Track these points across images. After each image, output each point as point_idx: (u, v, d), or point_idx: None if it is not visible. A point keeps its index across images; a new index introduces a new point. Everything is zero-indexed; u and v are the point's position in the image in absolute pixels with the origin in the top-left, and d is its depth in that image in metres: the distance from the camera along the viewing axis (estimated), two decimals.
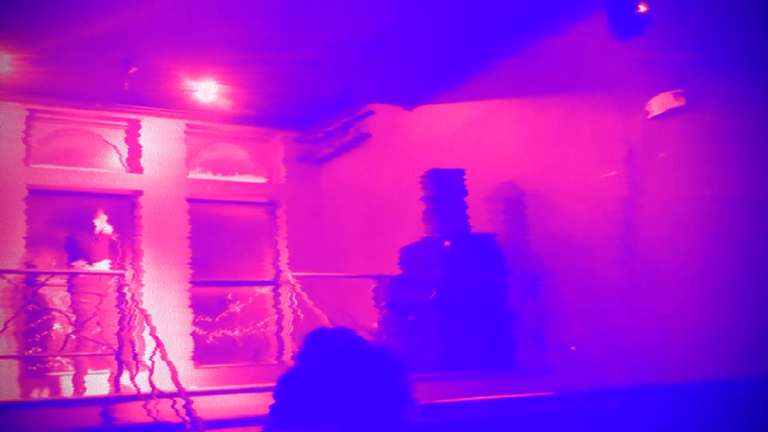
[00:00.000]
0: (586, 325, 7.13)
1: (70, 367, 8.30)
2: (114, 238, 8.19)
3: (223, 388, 7.25)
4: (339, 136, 10.47)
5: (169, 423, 5.11)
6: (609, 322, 6.93)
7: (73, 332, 7.40)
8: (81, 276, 7.77)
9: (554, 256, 7.55)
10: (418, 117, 9.37)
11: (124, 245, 9.67)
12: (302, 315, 7.27)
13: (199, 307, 10.08)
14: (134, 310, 7.06)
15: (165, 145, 10.01)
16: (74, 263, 7.84)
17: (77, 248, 7.93)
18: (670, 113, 6.53)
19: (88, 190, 9.54)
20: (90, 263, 7.94)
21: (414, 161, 8.94)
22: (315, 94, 9.67)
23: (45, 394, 8.62)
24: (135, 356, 6.80)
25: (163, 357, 6.19)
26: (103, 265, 7.90)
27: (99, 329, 7.69)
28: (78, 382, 7.89)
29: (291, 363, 2.39)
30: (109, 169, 9.86)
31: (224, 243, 10.59)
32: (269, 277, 10.73)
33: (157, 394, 6.00)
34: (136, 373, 6.66)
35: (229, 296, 10.39)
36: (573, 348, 6.93)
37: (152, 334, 6.44)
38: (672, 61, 6.57)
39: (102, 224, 7.98)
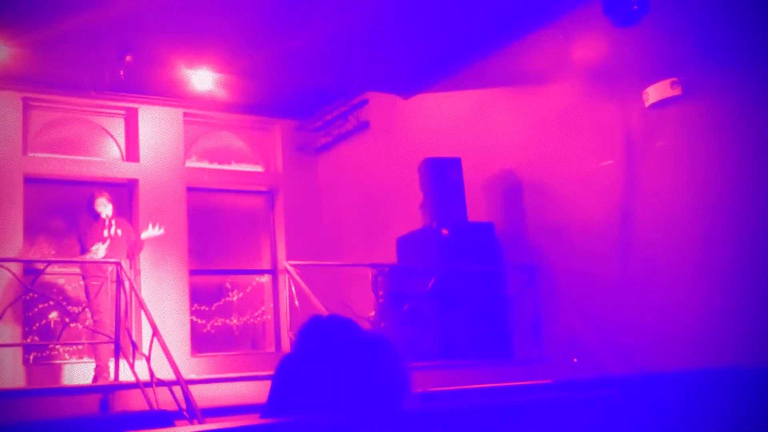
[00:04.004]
0: (584, 314, 7.15)
1: (68, 356, 8.32)
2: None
3: (221, 377, 7.27)
4: (337, 125, 10.47)
5: (167, 411, 5.12)
6: (607, 310, 6.95)
7: (71, 320, 7.42)
8: (78, 264, 7.77)
9: (551, 245, 7.57)
10: (416, 106, 9.36)
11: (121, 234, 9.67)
12: (300, 303, 7.28)
13: (197, 295, 10.10)
14: (132, 299, 7.07)
15: (162, 134, 10.00)
16: (96, 246, 7.72)
17: (81, 236, 7.87)
18: (667, 102, 6.52)
19: (85, 179, 9.53)
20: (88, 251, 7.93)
21: (411, 150, 8.94)
22: (313, 83, 9.66)
23: (43, 382, 8.64)
24: (133, 345, 6.82)
25: (162, 345, 6.21)
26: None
27: (97, 317, 7.70)
28: (76, 371, 7.91)
29: (288, 351, 2.40)
30: (106, 157, 9.85)
31: (222, 232, 10.60)
32: (267, 265, 10.75)
33: (156, 383, 6.02)
34: (134, 362, 6.68)
35: (228, 285, 10.40)
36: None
37: (150, 322, 6.46)
38: (669, 49, 6.56)
39: (103, 210, 7.87)
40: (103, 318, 7.43)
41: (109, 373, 7.53)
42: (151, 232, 8.12)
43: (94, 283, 7.60)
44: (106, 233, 7.73)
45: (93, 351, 7.83)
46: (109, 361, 7.54)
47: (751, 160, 5.96)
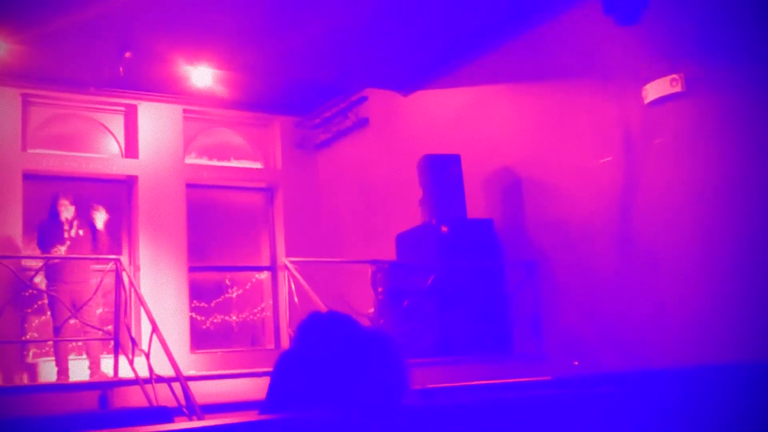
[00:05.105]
0: (583, 311, 7.15)
1: (68, 352, 8.30)
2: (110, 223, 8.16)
3: (220, 373, 7.28)
4: (336, 122, 10.46)
5: (166, 407, 5.12)
6: (606, 307, 6.95)
7: (71, 317, 7.43)
8: (78, 261, 7.77)
9: (551, 241, 7.56)
10: (415, 102, 9.35)
11: (121, 230, 9.68)
12: (299, 300, 7.28)
13: (197, 292, 10.10)
14: (131, 296, 7.07)
15: (161, 130, 10.00)
16: (55, 248, 7.77)
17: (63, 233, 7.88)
18: (667, 99, 6.52)
19: (85, 175, 9.53)
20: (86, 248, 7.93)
21: (411, 147, 8.94)
22: (312, 80, 9.65)
23: (42, 378, 8.64)
24: (132, 341, 6.82)
25: (161, 342, 6.21)
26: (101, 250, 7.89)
27: (96, 314, 7.71)
28: (76, 367, 7.91)
29: (288, 348, 2.40)
30: (105, 154, 9.84)
31: (221, 228, 10.60)
32: (266, 262, 10.75)
33: (155, 379, 6.03)
34: (134, 358, 6.68)
35: (227, 281, 10.41)
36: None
37: (150, 319, 6.46)
38: (670, 46, 6.56)
39: (63, 212, 7.89)
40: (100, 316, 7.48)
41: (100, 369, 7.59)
42: (99, 217, 7.98)
43: (52, 292, 7.57)
44: (66, 235, 7.76)
45: (86, 349, 7.86)
46: (100, 360, 7.61)
47: (751, 158, 5.95)
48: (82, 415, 4.84)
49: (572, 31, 7.44)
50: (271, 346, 10.40)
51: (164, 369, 6.08)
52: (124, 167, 9.82)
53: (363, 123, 10.06)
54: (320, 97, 10.33)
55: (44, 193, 9.51)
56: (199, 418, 5.40)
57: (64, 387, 6.68)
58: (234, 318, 10.34)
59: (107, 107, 9.87)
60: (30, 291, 7.96)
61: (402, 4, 7.46)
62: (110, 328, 7.25)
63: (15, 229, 8.92)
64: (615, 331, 6.79)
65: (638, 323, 6.63)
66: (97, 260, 7.74)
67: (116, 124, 9.98)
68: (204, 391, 6.01)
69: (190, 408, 5.60)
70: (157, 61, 8.53)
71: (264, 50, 8.25)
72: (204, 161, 10.50)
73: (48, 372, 8.48)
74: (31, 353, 8.97)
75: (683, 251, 6.36)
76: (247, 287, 10.53)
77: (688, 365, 4.94)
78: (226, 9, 7.39)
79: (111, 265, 7.20)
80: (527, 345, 7.52)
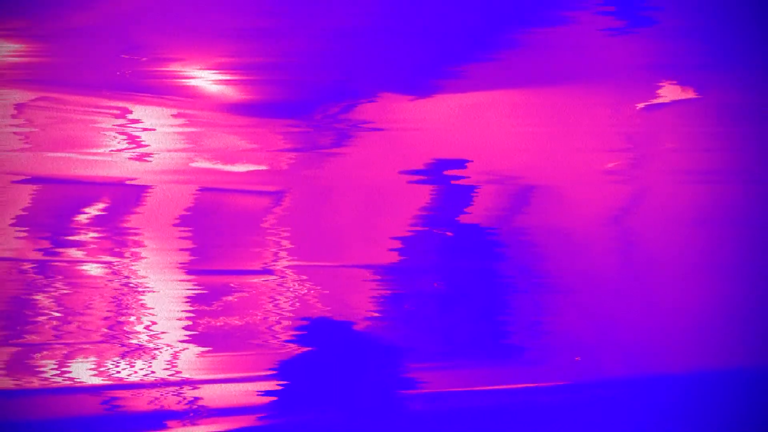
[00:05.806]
0: (586, 315, 7.14)
1: (69, 355, 8.33)
2: (113, 225, 8.17)
3: (222, 377, 7.28)
4: (342, 125, 10.47)
5: (168, 410, 5.13)
6: (609, 312, 6.95)
7: (72, 320, 7.44)
8: (80, 264, 7.79)
9: (553, 244, 7.56)
10: (421, 106, 9.36)
11: (124, 233, 9.69)
12: (302, 304, 7.29)
13: (199, 295, 10.10)
14: (134, 299, 7.08)
15: (165, 133, 10.01)
16: (58, 250, 7.81)
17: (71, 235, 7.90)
18: (673, 104, 6.52)
19: (86, 179, 9.54)
20: (88, 251, 7.94)
21: (416, 150, 8.94)
22: (317, 83, 9.65)
23: (44, 382, 8.65)
24: (134, 344, 6.83)
25: (162, 345, 6.22)
26: (103, 253, 7.91)
27: (98, 316, 7.71)
28: (77, 370, 7.93)
29: (291, 352, 2.40)
30: (108, 157, 9.86)
31: (224, 232, 10.60)
32: (269, 265, 10.75)
33: (156, 382, 6.03)
34: (136, 361, 6.69)
35: (230, 285, 10.41)
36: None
37: (152, 322, 6.47)
38: (677, 51, 6.56)
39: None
40: (102, 319, 7.46)
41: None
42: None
43: (53, 293, 7.59)
44: (68, 236, 7.78)
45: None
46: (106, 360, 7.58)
47: (756, 162, 5.96)
48: (84, 418, 4.84)
49: (580, 35, 7.43)
50: (273, 349, 10.40)
51: (166, 372, 6.09)
52: (127, 170, 9.82)
53: (369, 126, 10.06)
54: (326, 100, 10.33)
55: (46, 194, 9.54)
56: (201, 422, 5.40)
57: (65, 389, 6.68)
58: (237, 321, 10.34)
59: (110, 110, 9.88)
60: (31, 292, 7.97)
61: (408, 5, 7.47)
62: (112, 330, 7.25)
63: (16, 230, 8.93)
64: (615, 333, 6.78)
65: (638, 324, 6.62)
66: (100, 261, 7.75)
67: (119, 126, 9.99)
68: (206, 395, 6.01)
69: (193, 411, 5.60)
70: (161, 62, 8.54)
71: (269, 51, 8.26)
72: (208, 164, 10.51)
73: (49, 374, 8.49)
74: (32, 355, 8.98)
75: (687, 255, 6.36)
76: (250, 290, 10.53)
77: (688, 367, 4.94)
78: (230, 12, 7.40)
79: (113, 267, 7.21)
80: (530, 349, 7.51)
